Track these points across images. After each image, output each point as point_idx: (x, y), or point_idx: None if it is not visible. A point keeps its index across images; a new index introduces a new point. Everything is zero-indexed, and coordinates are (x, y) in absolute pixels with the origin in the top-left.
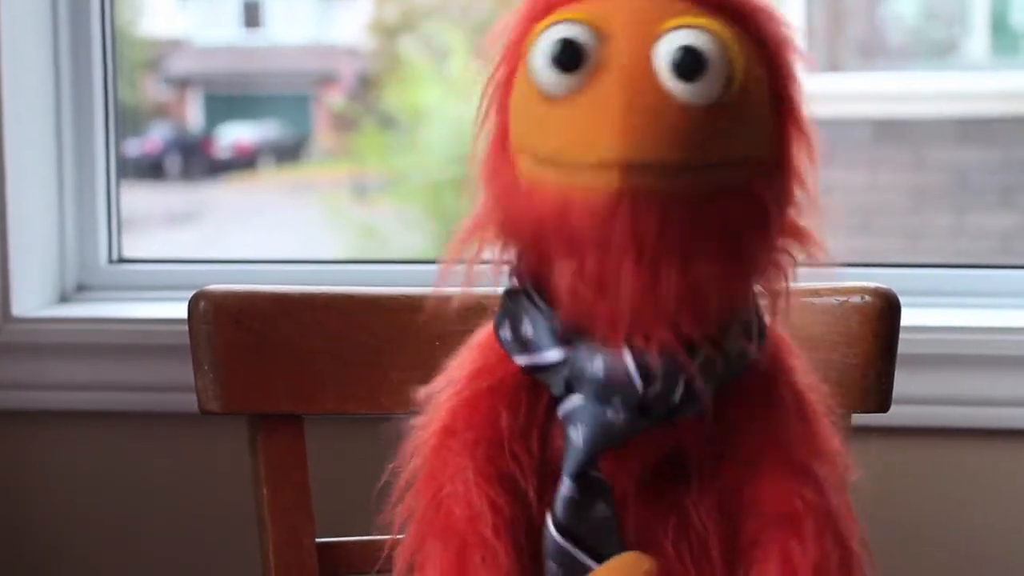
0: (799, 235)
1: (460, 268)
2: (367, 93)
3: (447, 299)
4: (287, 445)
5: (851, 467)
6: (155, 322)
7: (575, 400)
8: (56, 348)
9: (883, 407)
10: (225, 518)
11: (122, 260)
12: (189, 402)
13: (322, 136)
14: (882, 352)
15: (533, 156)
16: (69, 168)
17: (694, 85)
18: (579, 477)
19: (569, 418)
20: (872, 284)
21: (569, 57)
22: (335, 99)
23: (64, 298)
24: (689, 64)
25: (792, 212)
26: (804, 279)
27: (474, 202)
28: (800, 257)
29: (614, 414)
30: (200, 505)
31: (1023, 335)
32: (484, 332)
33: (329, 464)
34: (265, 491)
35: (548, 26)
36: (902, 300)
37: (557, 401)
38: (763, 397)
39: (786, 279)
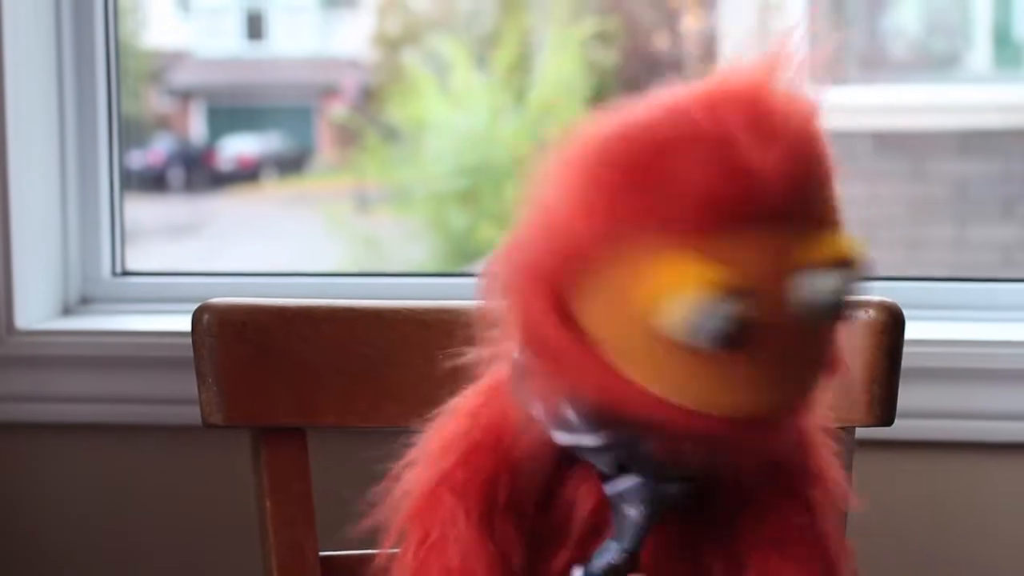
0: (840, 368)
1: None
2: (369, 105)
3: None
4: (290, 457)
5: (849, 494)
6: (158, 335)
7: (629, 481)
8: (59, 361)
9: (887, 421)
10: (228, 531)
11: (125, 273)
12: (192, 415)
13: (324, 148)
14: (886, 366)
15: (644, 376)
16: (72, 180)
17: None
18: (633, 550)
19: (624, 497)
20: (876, 298)
21: (738, 337)
22: (337, 111)
23: (67, 311)
24: (837, 307)
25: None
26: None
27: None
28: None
29: (671, 487)
30: (203, 518)
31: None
32: (491, 385)
33: (332, 476)
34: (268, 504)
35: (701, 292)
36: (904, 313)
37: (569, 462)
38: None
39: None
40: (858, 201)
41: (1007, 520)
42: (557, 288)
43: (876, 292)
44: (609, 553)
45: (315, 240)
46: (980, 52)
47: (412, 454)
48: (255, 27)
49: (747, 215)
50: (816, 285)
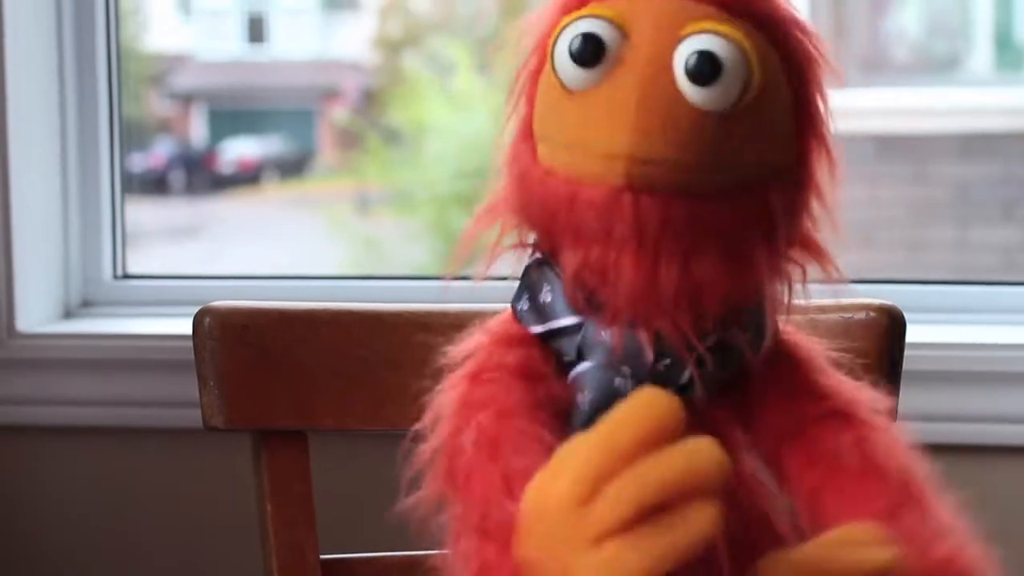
0: (812, 248)
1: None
2: (371, 108)
3: (452, 315)
4: (291, 461)
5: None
6: (159, 338)
7: (585, 366)
8: (60, 364)
9: None
10: (229, 533)
11: (126, 276)
12: (193, 418)
13: (326, 151)
14: (887, 369)
15: (550, 143)
16: (73, 183)
17: (708, 90)
18: None
19: (577, 382)
20: (877, 301)
21: (589, 52)
22: (339, 114)
23: (68, 314)
24: (705, 69)
25: (807, 224)
26: (811, 295)
27: (495, 186)
28: (811, 271)
29: (622, 381)
30: (204, 520)
31: None
32: (497, 320)
33: (333, 480)
34: (269, 507)
35: (573, 20)
36: (905, 316)
37: (569, 363)
38: (783, 378)
39: (791, 288)
40: (859, 203)
41: (1009, 523)
42: (530, 100)
43: (877, 295)
44: None
45: (316, 243)
46: (981, 55)
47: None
48: (256, 30)
49: None
50: (683, 45)
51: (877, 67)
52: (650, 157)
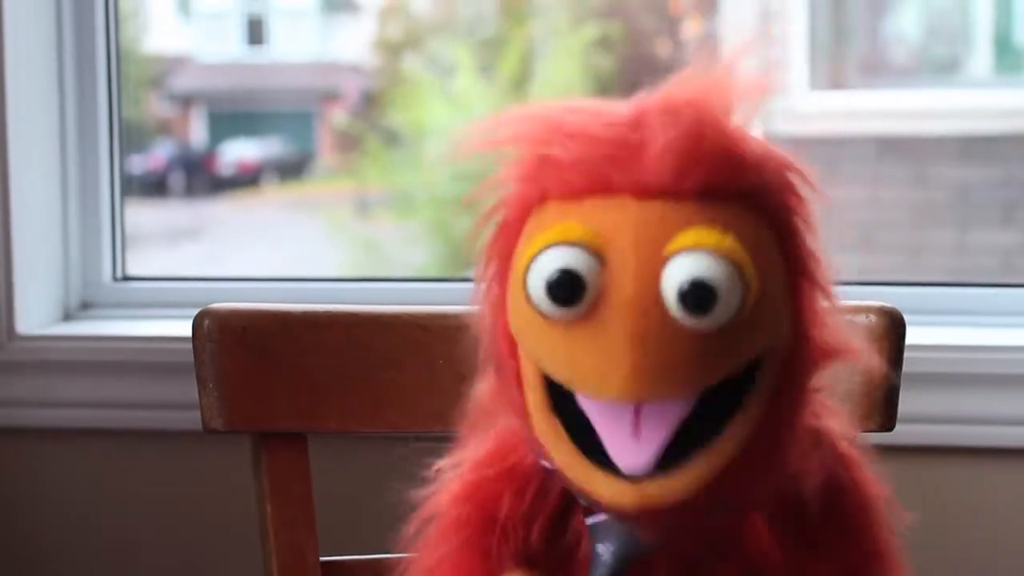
0: (836, 356)
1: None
2: (370, 110)
3: (452, 317)
4: (291, 463)
5: (899, 514)
6: (159, 340)
7: (600, 517)
8: (60, 366)
9: (888, 426)
10: (229, 536)
11: (126, 278)
12: (193, 420)
13: (325, 153)
14: (887, 371)
15: (533, 366)
16: (73, 185)
17: (705, 318)
18: None
19: (596, 532)
20: (877, 303)
21: (569, 292)
22: (338, 116)
23: (68, 316)
24: (699, 299)
25: (818, 353)
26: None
27: (482, 376)
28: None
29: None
30: (204, 523)
31: None
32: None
33: (333, 482)
34: (269, 509)
35: (544, 247)
36: (905, 318)
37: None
38: (826, 521)
39: (819, 436)
40: (859, 205)
41: (1009, 525)
42: (503, 279)
43: (877, 297)
44: None
45: (316, 245)
46: (981, 57)
47: (432, 482)
48: (256, 32)
49: (619, 184)
50: (671, 267)
51: (877, 69)
52: (650, 400)
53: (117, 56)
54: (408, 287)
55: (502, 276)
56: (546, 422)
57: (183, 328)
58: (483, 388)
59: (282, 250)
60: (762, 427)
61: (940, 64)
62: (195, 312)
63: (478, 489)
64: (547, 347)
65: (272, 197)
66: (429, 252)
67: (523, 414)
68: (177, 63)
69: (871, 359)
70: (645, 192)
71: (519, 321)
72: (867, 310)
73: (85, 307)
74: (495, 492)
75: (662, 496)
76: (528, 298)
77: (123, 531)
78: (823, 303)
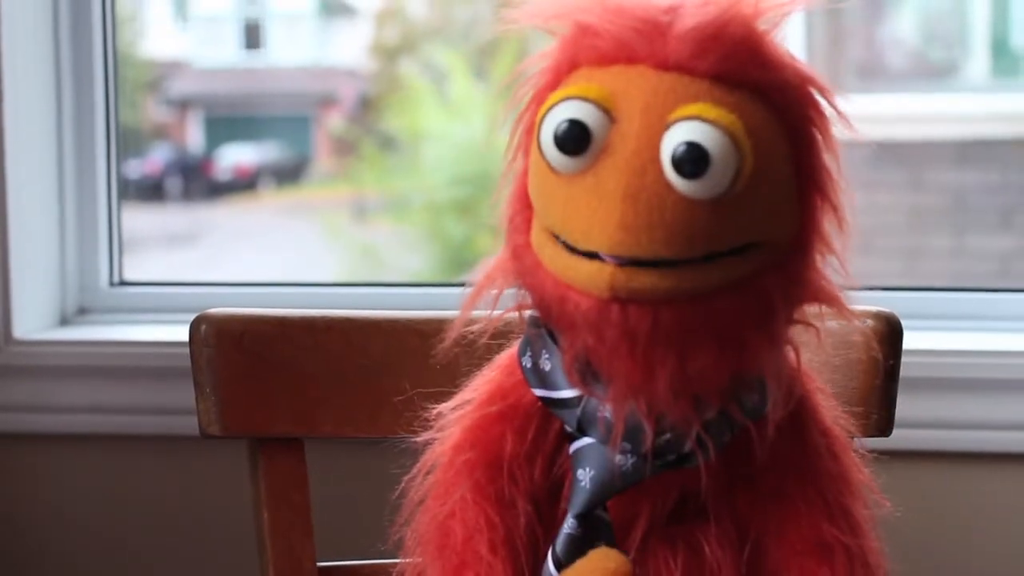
0: (825, 299)
1: (483, 306)
2: (367, 115)
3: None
4: (288, 468)
5: (879, 501)
6: (156, 345)
7: (586, 441)
8: (57, 371)
9: (885, 431)
10: (226, 541)
11: (123, 283)
12: (190, 425)
13: (322, 158)
14: (884, 376)
15: (541, 222)
16: (70, 190)
17: (696, 182)
18: (583, 516)
19: (578, 458)
20: (874, 308)
21: (575, 141)
22: (335, 121)
23: (65, 321)
24: (692, 161)
25: (815, 278)
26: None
27: (497, 245)
28: (827, 320)
29: (623, 458)
30: (201, 528)
31: (1022, 359)
32: (508, 353)
33: (330, 487)
34: (266, 514)
35: (561, 99)
36: (902, 323)
37: (570, 434)
38: (790, 435)
39: (797, 352)
40: (856, 210)
41: (1007, 530)
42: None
43: (874, 302)
44: (564, 525)
45: (313, 249)
46: (978, 62)
47: (434, 427)
48: (253, 37)
49: (644, 55)
50: (670, 133)
51: (874, 74)
52: (636, 256)
53: (114, 60)
54: (405, 292)
55: (527, 147)
56: (543, 234)
57: (180, 333)
58: (490, 261)
59: (279, 255)
60: (741, 303)
61: (937, 68)
62: (192, 317)
63: (481, 432)
64: (548, 197)
65: (269, 202)
66: (426, 257)
67: (524, 254)
68: (174, 68)
69: (850, 314)
70: (664, 65)
71: (534, 178)
72: (865, 315)
73: (82, 312)
74: (497, 434)
75: (635, 282)
76: (540, 147)
77: (121, 536)
78: (833, 228)
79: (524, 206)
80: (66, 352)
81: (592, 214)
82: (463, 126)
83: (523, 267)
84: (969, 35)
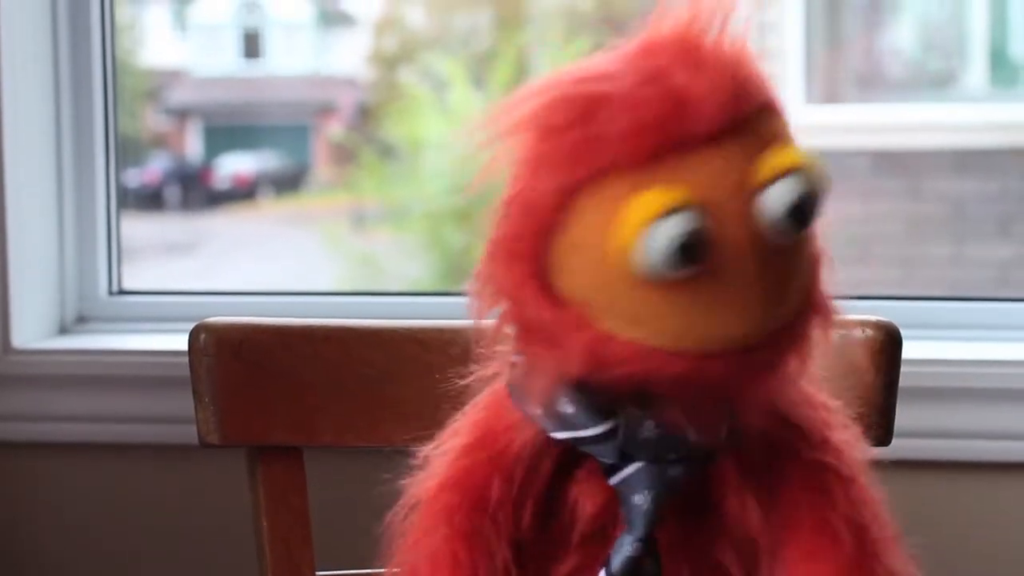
0: (823, 313)
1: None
2: (366, 124)
3: (449, 331)
4: (287, 477)
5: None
6: (155, 354)
7: (633, 467)
8: (56, 380)
9: (885, 441)
10: (225, 550)
11: (122, 292)
12: (189, 434)
13: (321, 166)
14: (883, 386)
15: (613, 323)
16: (69, 199)
17: (805, 230)
18: (646, 538)
19: (629, 485)
20: (873, 317)
21: (698, 253)
22: (334, 130)
23: (64, 330)
24: (806, 210)
25: (822, 292)
26: None
27: (482, 300)
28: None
29: (674, 469)
30: (200, 537)
31: (1022, 368)
32: (491, 395)
33: (329, 496)
34: (265, 523)
35: (659, 216)
36: (901, 332)
37: (569, 469)
38: (803, 461)
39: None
40: (855, 219)
41: (1006, 539)
42: (534, 258)
43: (872, 311)
44: (625, 547)
45: (312, 259)
46: (976, 71)
47: (418, 468)
48: (252, 46)
49: (684, 138)
50: (772, 196)
51: (873, 83)
52: (771, 325)
53: (113, 69)
54: (404, 301)
55: (534, 272)
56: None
57: (179, 342)
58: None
59: (278, 264)
60: (801, 329)
61: (936, 78)
62: (191, 326)
63: (467, 475)
64: (638, 304)
65: (268, 211)
66: (425, 266)
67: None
68: (173, 76)
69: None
70: (709, 138)
71: (590, 278)
72: (863, 324)
73: (81, 321)
74: (484, 477)
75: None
76: (633, 264)
77: (120, 545)
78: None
79: (535, 290)
80: (65, 361)
81: (727, 306)
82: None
83: (555, 335)
84: (967, 45)
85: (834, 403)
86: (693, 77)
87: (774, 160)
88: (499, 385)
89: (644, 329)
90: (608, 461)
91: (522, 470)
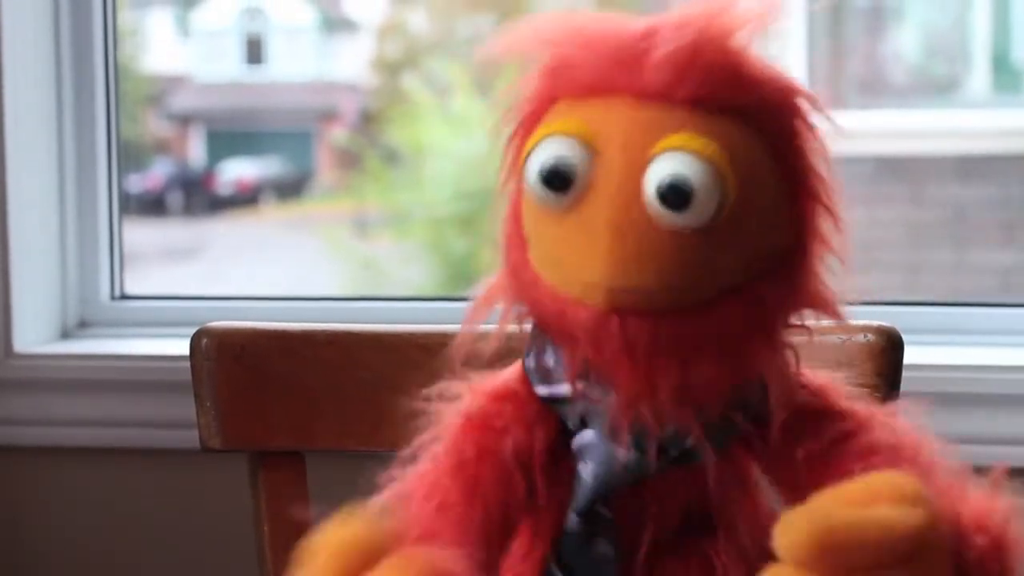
0: (820, 304)
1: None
2: (369, 129)
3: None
4: (288, 481)
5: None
6: (157, 358)
7: (588, 436)
8: (58, 384)
9: None
10: (226, 555)
11: (124, 296)
12: (190, 438)
13: (324, 172)
14: (885, 391)
15: (534, 250)
16: (71, 204)
17: (681, 215)
18: (585, 513)
19: (580, 453)
20: (875, 323)
21: (559, 179)
22: (337, 135)
23: (66, 334)
24: (676, 196)
25: (813, 283)
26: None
27: (494, 265)
28: (821, 322)
29: (625, 453)
30: (201, 542)
31: (1023, 374)
32: (517, 363)
33: (331, 500)
34: (266, 527)
35: (542, 138)
36: (903, 338)
37: (572, 432)
38: (812, 433)
39: (797, 354)
40: (857, 225)
41: None
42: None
43: (875, 316)
44: (570, 522)
45: (314, 264)
46: (979, 77)
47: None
48: (254, 51)
49: (623, 87)
50: (653, 168)
51: (875, 89)
52: (627, 287)
53: (115, 75)
54: (406, 306)
55: (518, 171)
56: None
57: (181, 347)
58: (489, 279)
59: (280, 269)
60: (741, 310)
61: (938, 83)
62: (193, 331)
63: (481, 415)
64: (539, 232)
65: (271, 216)
66: (427, 271)
67: (521, 271)
68: (176, 82)
69: (844, 320)
70: (643, 95)
71: (525, 211)
72: (865, 329)
73: (83, 325)
74: (500, 416)
75: (627, 283)
76: (526, 186)
77: (121, 550)
78: (827, 224)
79: (520, 226)
80: (67, 365)
81: (581, 251)
82: (465, 140)
83: (521, 283)
84: (970, 50)
85: (830, 377)
86: (669, 43)
87: (675, 138)
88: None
89: (550, 268)
90: (572, 425)
91: (536, 428)
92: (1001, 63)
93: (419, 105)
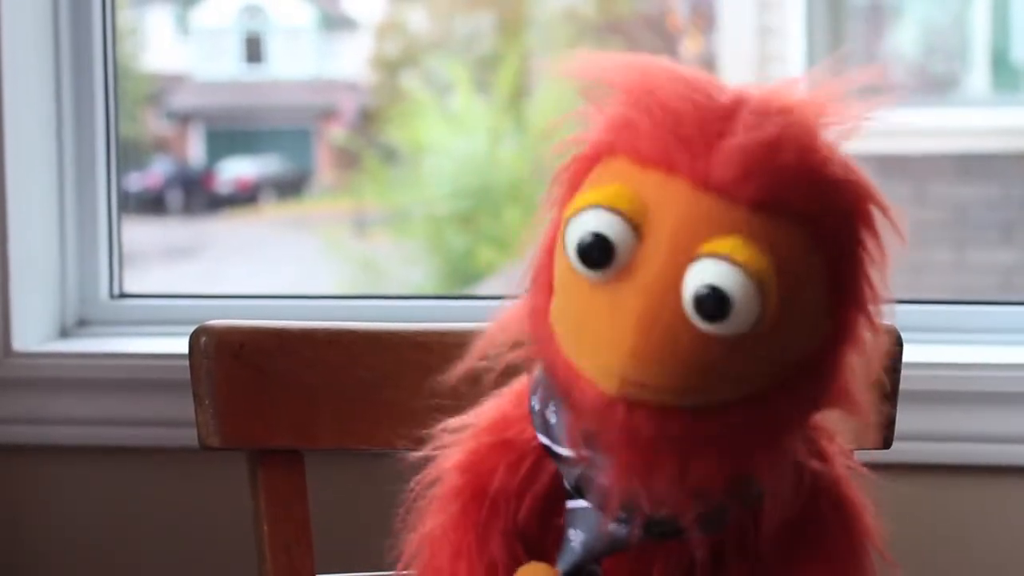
0: (848, 404)
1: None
2: (368, 128)
3: (450, 335)
4: (287, 480)
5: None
6: (156, 357)
7: (581, 503)
8: (57, 383)
9: (885, 444)
10: (226, 554)
11: (123, 295)
12: (189, 437)
13: (323, 171)
14: (884, 389)
15: (556, 309)
16: (70, 202)
17: (715, 324)
18: (573, 573)
19: (571, 519)
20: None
21: (596, 256)
22: (336, 134)
23: (65, 333)
24: (713, 306)
25: (842, 383)
26: None
27: (512, 302)
28: (846, 423)
29: (616, 526)
30: (201, 541)
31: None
32: (521, 382)
33: (330, 499)
34: (265, 527)
35: (590, 205)
36: (903, 336)
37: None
38: (814, 534)
39: (805, 466)
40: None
41: (1007, 543)
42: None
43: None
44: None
45: (313, 263)
46: (978, 75)
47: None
48: (254, 50)
49: (685, 168)
50: (694, 269)
51: (875, 87)
52: (643, 382)
53: (115, 74)
54: (405, 305)
55: (563, 202)
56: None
57: (180, 345)
58: (508, 307)
59: (280, 268)
60: (754, 417)
61: (938, 82)
62: (192, 329)
63: (476, 460)
64: (568, 295)
65: (270, 215)
66: (426, 270)
67: (540, 321)
68: (175, 81)
69: (867, 418)
70: (704, 184)
71: (558, 268)
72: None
73: (82, 324)
74: (490, 464)
75: (645, 379)
76: (563, 247)
77: (121, 548)
78: (866, 334)
79: (550, 267)
80: (66, 364)
81: (604, 332)
82: (465, 139)
83: (537, 333)
84: (969, 49)
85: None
86: (746, 133)
87: (726, 243)
88: (519, 385)
89: (568, 336)
90: (568, 486)
91: (528, 463)
92: (1000, 62)
93: (418, 104)
